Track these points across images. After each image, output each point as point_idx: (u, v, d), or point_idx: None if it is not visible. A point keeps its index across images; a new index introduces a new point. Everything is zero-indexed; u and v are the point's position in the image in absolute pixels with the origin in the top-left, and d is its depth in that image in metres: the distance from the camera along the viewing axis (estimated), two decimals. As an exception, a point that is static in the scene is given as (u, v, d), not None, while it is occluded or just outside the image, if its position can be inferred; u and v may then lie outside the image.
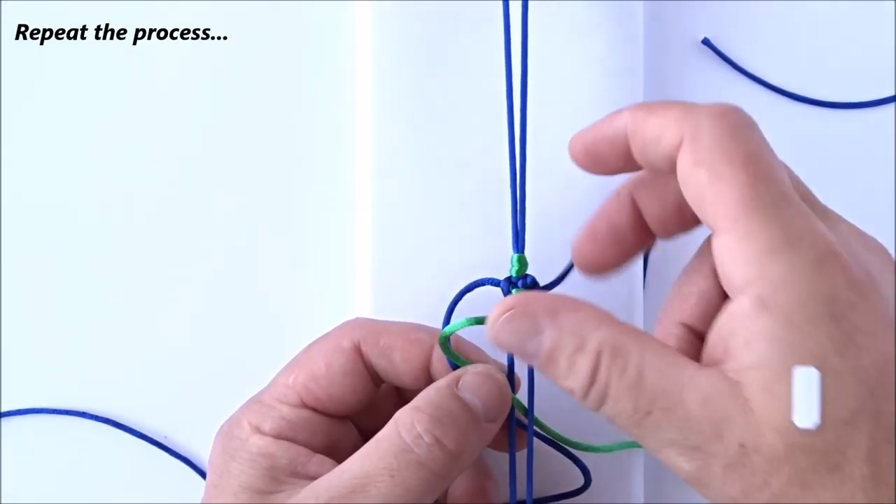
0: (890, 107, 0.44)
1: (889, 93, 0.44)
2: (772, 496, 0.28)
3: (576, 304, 0.31)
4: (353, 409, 0.36)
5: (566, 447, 0.37)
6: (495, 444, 0.36)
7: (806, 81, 0.44)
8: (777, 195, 0.29)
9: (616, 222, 0.34)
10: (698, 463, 0.29)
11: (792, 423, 0.28)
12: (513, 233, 0.35)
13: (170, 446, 0.41)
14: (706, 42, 0.43)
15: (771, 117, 0.43)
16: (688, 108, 0.31)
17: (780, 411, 0.28)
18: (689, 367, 0.29)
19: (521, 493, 0.37)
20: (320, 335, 0.36)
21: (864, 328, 0.28)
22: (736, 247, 0.29)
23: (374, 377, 0.36)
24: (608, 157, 0.33)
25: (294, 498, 0.32)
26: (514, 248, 0.35)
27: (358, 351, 0.35)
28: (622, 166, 0.33)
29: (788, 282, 0.28)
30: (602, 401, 0.30)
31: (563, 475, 0.39)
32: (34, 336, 0.41)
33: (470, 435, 0.33)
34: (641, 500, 0.40)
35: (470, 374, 0.34)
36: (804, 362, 0.28)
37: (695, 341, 0.32)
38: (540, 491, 0.39)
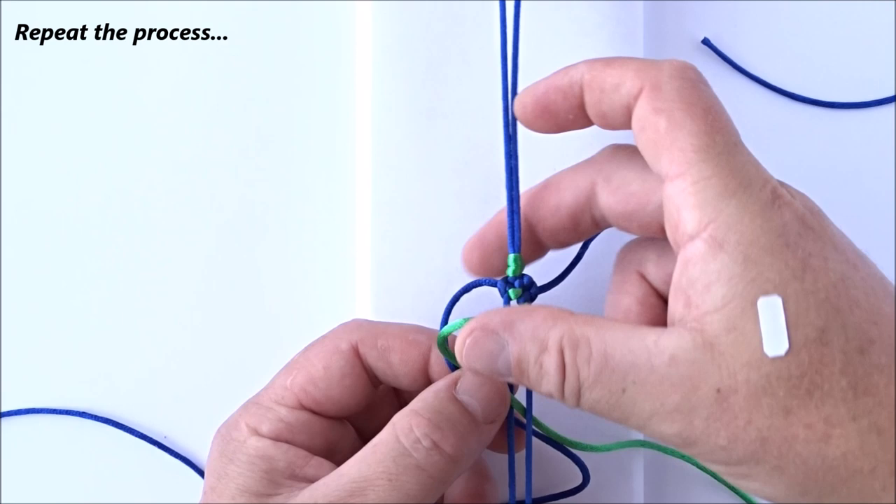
0: (890, 107, 0.44)
1: (889, 93, 0.44)
2: (758, 433, 0.28)
3: (530, 311, 0.31)
4: (351, 410, 0.36)
5: (565, 446, 0.37)
6: (494, 446, 0.36)
7: (806, 81, 0.44)
8: (730, 144, 0.30)
9: (503, 235, 0.35)
10: (681, 424, 0.29)
11: (763, 355, 0.28)
12: (509, 233, 0.35)
13: (170, 446, 0.41)
14: (706, 42, 0.43)
15: (771, 117, 0.44)
16: (647, 61, 0.32)
17: (749, 346, 0.28)
18: (651, 333, 0.30)
19: (520, 493, 0.37)
20: (318, 337, 0.36)
21: (816, 253, 0.29)
22: (690, 190, 0.29)
23: (373, 379, 0.36)
24: (559, 107, 0.33)
25: (292, 500, 0.32)
26: (510, 248, 0.35)
27: (356, 353, 0.35)
28: (570, 121, 0.33)
29: (741, 221, 0.29)
30: (578, 394, 0.30)
31: (562, 475, 0.39)
32: (34, 336, 0.41)
33: (468, 438, 0.33)
34: (642, 500, 0.40)
35: (468, 376, 0.33)
36: (766, 293, 0.28)
37: None
38: (539, 491, 0.39)
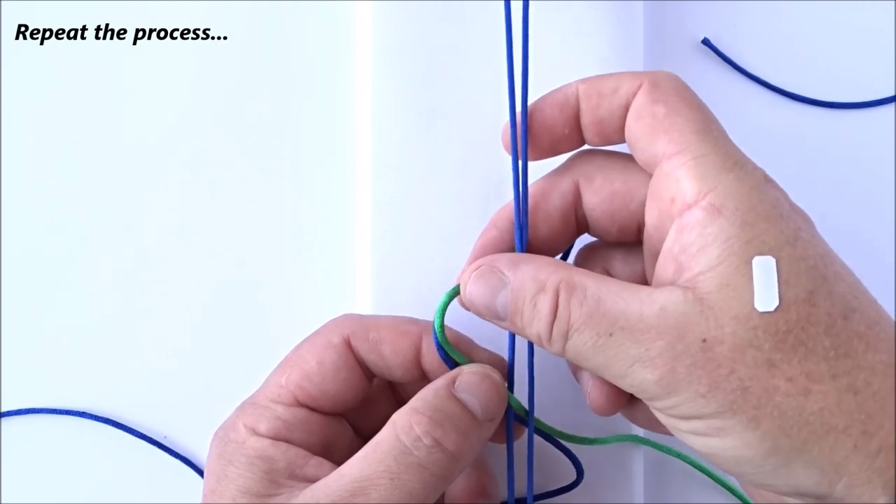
0: (890, 107, 0.44)
1: (889, 93, 0.44)
2: (740, 382, 0.29)
3: (536, 257, 0.33)
4: (347, 405, 0.36)
5: (560, 441, 0.37)
6: (493, 437, 0.36)
7: (806, 81, 0.44)
8: (724, 134, 0.32)
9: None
10: (663, 370, 0.30)
11: (753, 310, 0.29)
12: (517, 232, 0.35)
13: (170, 446, 0.41)
14: (706, 42, 0.43)
15: (771, 117, 0.44)
16: (640, 71, 0.34)
17: (740, 301, 0.29)
18: (646, 288, 0.31)
19: (519, 489, 0.37)
20: (310, 334, 0.36)
21: (805, 229, 0.31)
22: (691, 164, 0.31)
23: (367, 372, 0.36)
24: (555, 122, 0.34)
25: (293, 500, 0.32)
26: (517, 246, 0.35)
27: (348, 346, 0.35)
28: (565, 136, 0.34)
29: (740, 190, 0.30)
30: (565, 336, 0.31)
31: (557, 473, 0.39)
32: (34, 336, 0.41)
33: (469, 435, 0.33)
34: (642, 501, 0.40)
35: (466, 374, 0.34)
36: (761, 254, 0.29)
37: None
38: (535, 489, 0.39)
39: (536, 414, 0.37)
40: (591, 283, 0.31)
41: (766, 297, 0.29)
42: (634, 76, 0.33)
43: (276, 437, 0.34)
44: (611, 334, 0.30)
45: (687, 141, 0.31)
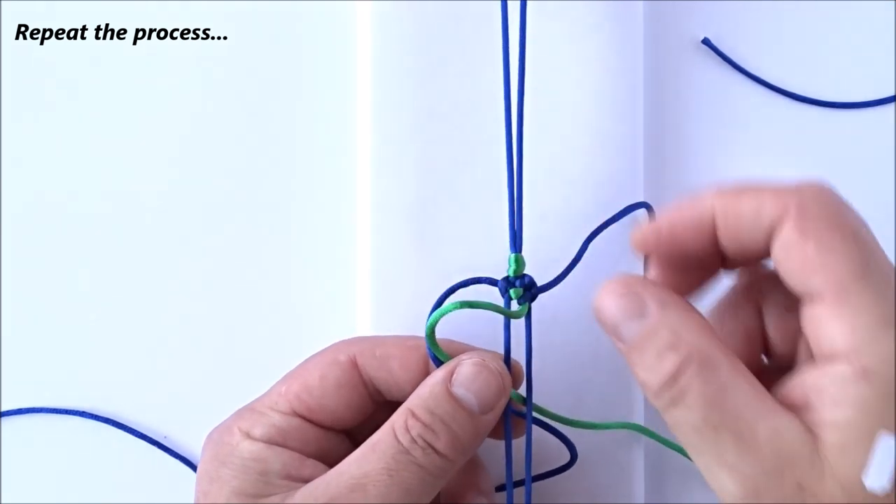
0: (890, 107, 0.44)
1: (889, 93, 0.44)
2: None
3: (685, 305, 0.31)
4: (346, 423, 0.35)
5: (554, 427, 0.37)
6: (492, 434, 0.36)
7: (806, 81, 0.44)
8: (884, 272, 0.30)
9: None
10: (749, 490, 0.29)
11: (858, 481, 0.28)
12: (510, 232, 0.35)
13: (170, 446, 0.41)
14: (706, 42, 0.43)
15: (771, 117, 0.44)
16: (782, 185, 0.31)
17: (850, 468, 0.28)
18: (771, 401, 0.30)
19: (514, 475, 0.36)
20: (318, 350, 0.36)
21: None
22: (845, 314, 0.29)
23: (373, 392, 0.36)
24: (688, 245, 0.32)
25: (290, 499, 0.32)
26: (511, 247, 0.35)
27: (354, 365, 0.35)
28: (700, 255, 0.32)
29: (891, 357, 0.28)
30: (675, 403, 0.30)
31: (552, 460, 0.39)
32: (34, 336, 0.41)
33: (463, 435, 0.33)
34: (642, 500, 0.40)
35: (465, 366, 0.33)
36: (890, 433, 0.28)
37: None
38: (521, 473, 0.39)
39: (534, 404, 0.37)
40: (725, 368, 0.30)
41: (877, 477, 0.28)
42: (777, 196, 0.30)
43: (269, 442, 0.34)
44: (717, 429, 0.29)
45: (842, 287, 0.29)
